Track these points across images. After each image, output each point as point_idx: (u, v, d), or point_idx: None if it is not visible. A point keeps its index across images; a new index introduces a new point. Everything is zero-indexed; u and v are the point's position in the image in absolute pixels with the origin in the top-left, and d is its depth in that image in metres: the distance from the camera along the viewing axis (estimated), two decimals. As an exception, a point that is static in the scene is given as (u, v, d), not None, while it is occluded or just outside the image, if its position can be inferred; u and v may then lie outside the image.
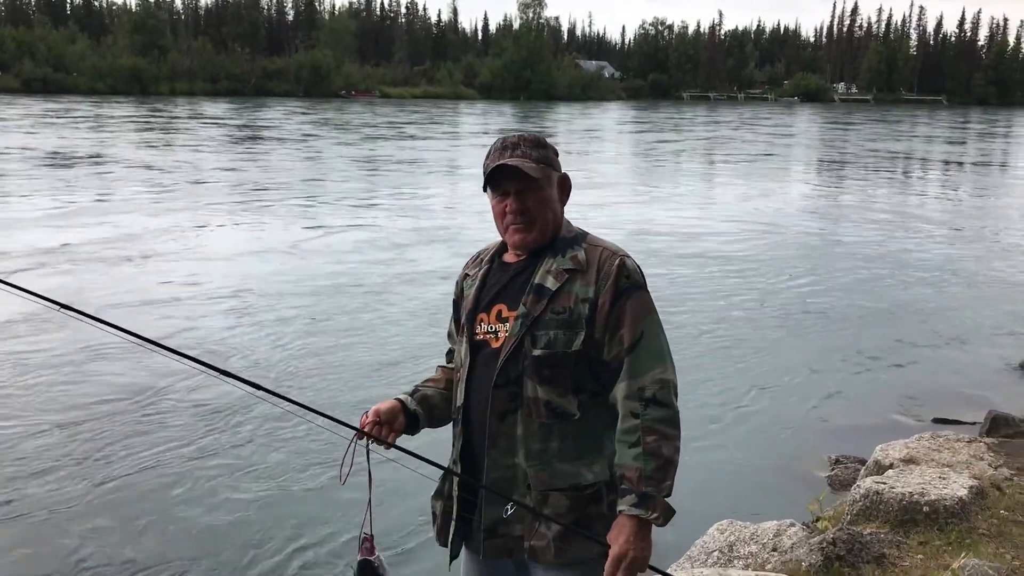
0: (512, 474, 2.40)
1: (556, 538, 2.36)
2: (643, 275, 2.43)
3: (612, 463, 2.42)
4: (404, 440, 2.44)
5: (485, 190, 2.49)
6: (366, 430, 2.39)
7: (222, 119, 49.38)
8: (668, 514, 2.29)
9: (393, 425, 2.45)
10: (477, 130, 48.36)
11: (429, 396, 2.59)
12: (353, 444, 2.37)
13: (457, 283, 2.67)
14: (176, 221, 16.42)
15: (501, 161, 2.41)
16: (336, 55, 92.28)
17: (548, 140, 2.52)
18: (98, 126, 40.88)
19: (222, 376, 2.38)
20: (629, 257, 2.43)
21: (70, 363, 8.37)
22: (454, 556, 2.57)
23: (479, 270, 2.58)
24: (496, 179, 2.43)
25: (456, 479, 2.51)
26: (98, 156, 27.85)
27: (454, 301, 2.67)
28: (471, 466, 2.47)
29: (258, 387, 2.45)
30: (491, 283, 2.52)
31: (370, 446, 2.39)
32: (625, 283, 2.37)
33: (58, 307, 2.38)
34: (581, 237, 2.49)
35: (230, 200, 19.53)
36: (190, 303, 10.70)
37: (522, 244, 2.47)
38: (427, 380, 2.67)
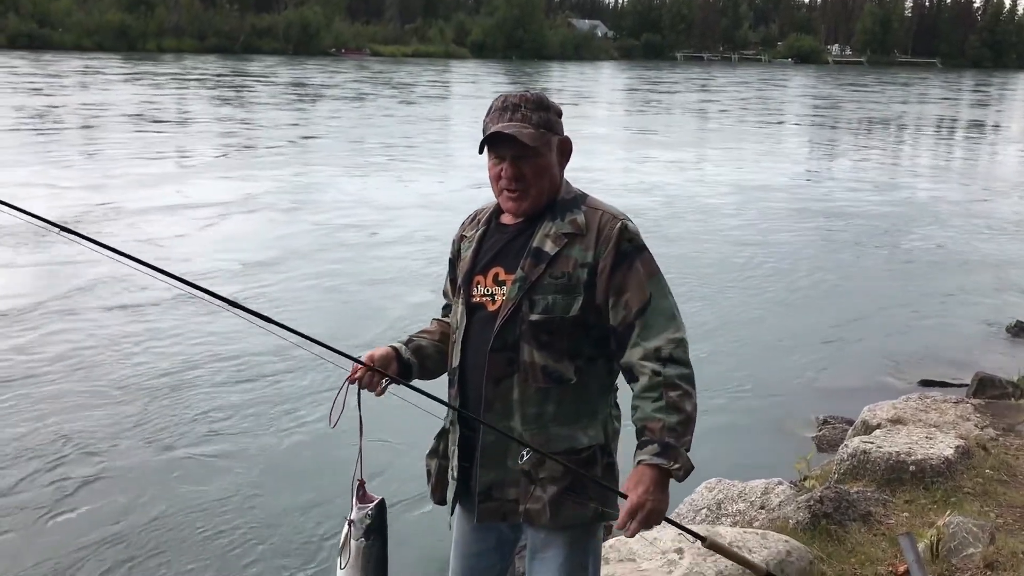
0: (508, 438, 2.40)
1: (552, 501, 2.37)
2: (642, 237, 2.41)
3: (606, 427, 2.44)
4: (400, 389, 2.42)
5: (481, 152, 2.43)
6: (358, 375, 2.38)
7: (266, 77, 49.01)
8: (688, 468, 2.25)
9: (386, 372, 2.43)
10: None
11: (423, 347, 2.58)
12: (345, 388, 2.35)
13: (454, 242, 2.64)
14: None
15: (498, 126, 2.34)
16: (326, 13, 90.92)
17: (551, 100, 2.45)
18: (156, 83, 40.24)
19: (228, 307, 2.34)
20: (629, 220, 2.40)
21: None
22: (453, 512, 2.59)
23: (476, 231, 2.54)
24: (492, 142, 2.38)
25: (452, 437, 2.51)
26: (185, 114, 27.58)
27: (450, 260, 2.64)
28: (467, 428, 2.47)
29: (263, 317, 2.37)
30: (488, 245, 2.49)
31: (361, 393, 2.37)
32: (627, 247, 2.35)
33: (58, 229, 2.29)
34: (580, 199, 2.45)
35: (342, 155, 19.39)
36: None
37: (515, 211, 2.43)
38: (422, 331, 2.66)
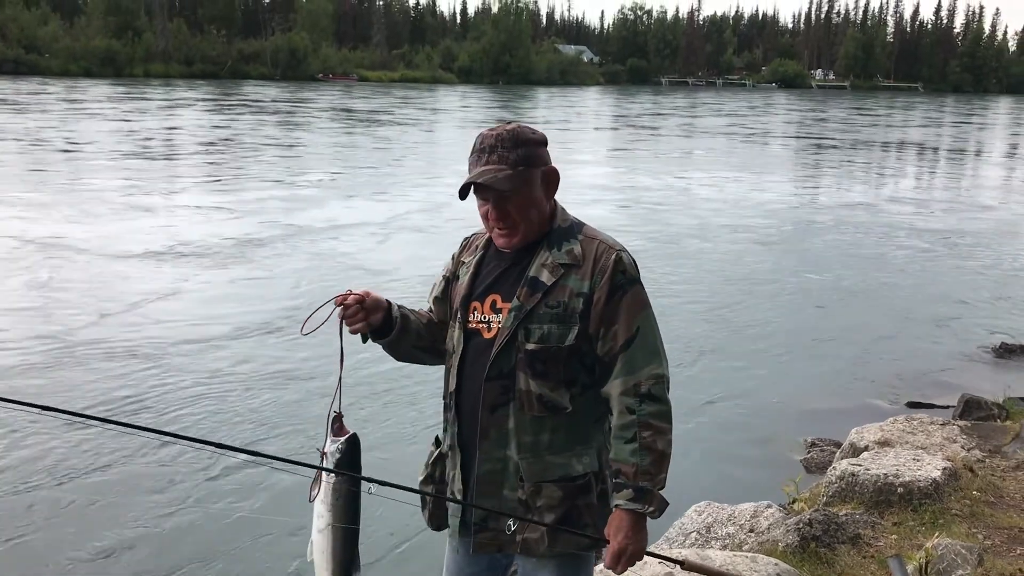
0: (503, 466, 2.40)
1: (550, 530, 2.37)
2: (638, 269, 2.42)
3: (601, 454, 2.44)
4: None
5: (463, 198, 2.41)
6: (348, 301, 2.34)
7: (279, 100, 49.00)
8: (662, 506, 2.33)
9: (371, 315, 2.40)
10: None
11: (410, 320, 2.55)
12: (331, 312, 2.31)
13: (453, 259, 2.62)
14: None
15: (473, 174, 2.34)
16: (313, 38, 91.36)
17: (533, 131, 2.43)
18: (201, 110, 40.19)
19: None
20: (625, 251, 2.41)
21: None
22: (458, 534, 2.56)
23: (473, 257, 2.54)
24: (474, 187, 2.37)
25: (451, 462, 2.50)
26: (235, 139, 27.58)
27: (445, 277, 2.62)
28: (465, 454, 2.46)
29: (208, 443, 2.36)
30: (485, 271, 2.49)
31: (342, 323, 2.34)
32: (621, 279, 2.35)
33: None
34: (577, 228, 2.45)
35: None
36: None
37: (507, 247, 2.43)
38: (413, 310, 2.62)
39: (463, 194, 2.39)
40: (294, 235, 14.05)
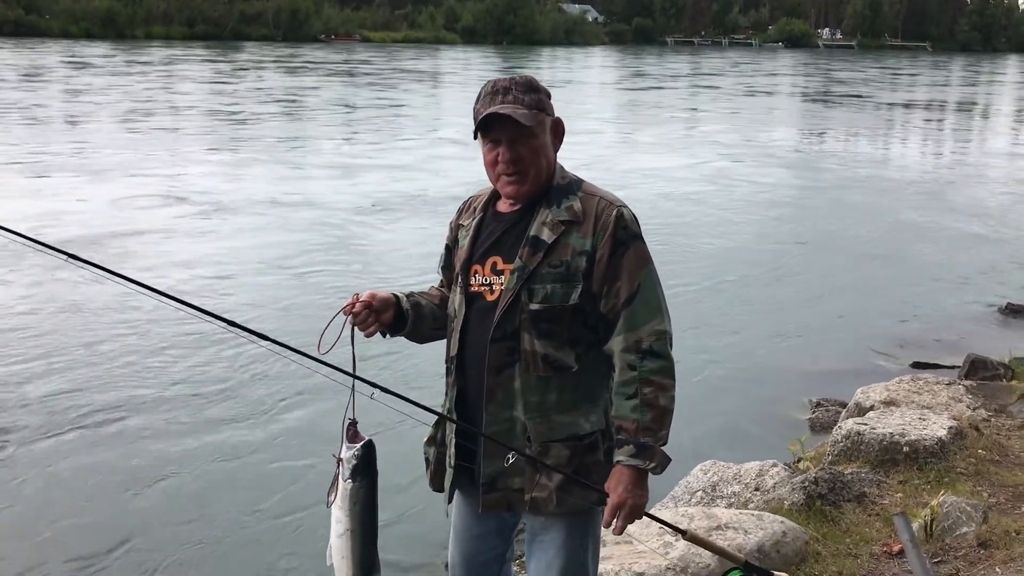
0: (510, 427, 2.39)
1: (557, 489, 2.37)
2: (639, 225, 2.40)
3: (607, 412, 2.43)
4: (399, 386, 2.40)
5: (476, 137, 2.40)
6: (356, 309, 2.36)
7: (325, 62, 48.87)
8: (664, 463, 2.32)
9: (381, 316, 2.41)
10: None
11: (422, 305, 2.56)
12: (343, 323, 2.34)
13: (451, 227, 2.61)
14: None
15: (492, 109, 2.32)
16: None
17: (540, 83, 2.43)
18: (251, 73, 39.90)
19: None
20: (626, 207, 2.39)
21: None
22: (451, 500, 2.58)
23: (472, 219, 2.52)
24: (487, 127, 2.35)
25: (450, 426, 2.50)
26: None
27: (446, 246, 2.63)
28: (466, 418, 2.47)
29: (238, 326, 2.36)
30: (485, 233, 2.47)
31: (355, 330, 2.36)
32: (622, 234, 2.34)
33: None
34: (576, 184, 2.43)
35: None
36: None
37: (516, 195, 2.41)
38: (422, 292, 2.63)
39: (477, 134, 2.38)
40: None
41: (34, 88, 30.85)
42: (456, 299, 2.48)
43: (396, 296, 2.48)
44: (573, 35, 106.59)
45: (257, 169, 16.76)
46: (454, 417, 2.48)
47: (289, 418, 6.36)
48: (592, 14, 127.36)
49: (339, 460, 2.25)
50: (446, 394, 2.53)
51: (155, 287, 2.34)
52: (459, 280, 2.47)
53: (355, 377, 2.27)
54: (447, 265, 2.61)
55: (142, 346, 7.54)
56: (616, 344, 2.33)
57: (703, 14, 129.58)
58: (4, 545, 4.81)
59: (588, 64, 64.72)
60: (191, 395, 6.67)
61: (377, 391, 2.28)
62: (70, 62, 43.64)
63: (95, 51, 52.37)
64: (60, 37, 67.90)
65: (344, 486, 2.24)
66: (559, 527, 2.44)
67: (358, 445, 2.24)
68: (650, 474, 2.32)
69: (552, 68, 56.02)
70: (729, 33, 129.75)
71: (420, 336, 2.59)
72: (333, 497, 2.26)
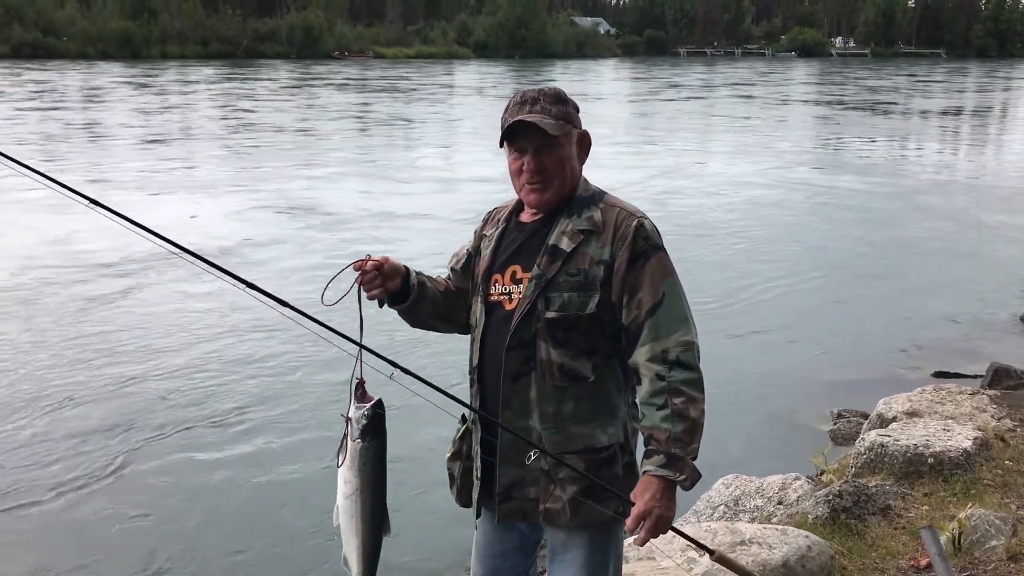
0: (526, 436, 2.37)
1: (571, 500, 2.35)
2: (660, 236, 2.38)
3: (626, 425, 2.41)
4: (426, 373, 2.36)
5: (501, 145, 2.41)
6: (367, 267, 2.34)
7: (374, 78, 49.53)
8: (695, 477, 2.24)
9: (388, 282, 2.40)
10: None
11: (427, 287, 2.54)
12: (353, 285, 2.31)
13: (475, 235, 2.62)
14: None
15: (519, 117, 2.33)
16: (328, 15, 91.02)
17: (568, 95, 2.43)
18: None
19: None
20: (647, 218, 2.37)
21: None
22: (480, 515, 2.56)
23: (495, 230, 2.52)
24: (514, 135, 2.36)
25: (475, 438, 2.50)
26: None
27: (468, 251, 2.61)
28: (485, 426, 2.45)
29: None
30: (506, 243, 2.48)
31: (362, 292, 2.35)
32: (643, 245, 2.32)
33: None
34: (598, 196, 2.42)
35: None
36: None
37: (538, 204, 2.41)
38: (431, 277, 2.60)
39: (503, 142, 2.38)
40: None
41: (103, 108, 31.55)
42: (477, 309, 2.48)
43: (407, 269, 2.47)
44: (585, 47, 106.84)
45: (353, 183, 17.18)
46: (477, 429, 2.47)
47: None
48: (604, 26, 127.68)
49: (348, 420, 2.22)
50: (470, 404, 2.51)
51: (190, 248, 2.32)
52: (480, 290, 2.47)
53: (361, 345, 2.23)
54: (460, 269, 2.60)
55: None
56: (641, 354, 2.29)
57: (715, 24, 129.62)
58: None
59: (616, 76, 65.07)
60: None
61: (397, 371, 2.24)
62: (126, 82, 44.21)
63: (135, 71, 52.97)
64: (77, 58, 68.57)
65: (353, 446, 2.20)
66: (580, 544, 2.41)
67: (367, 405, 2.22)
68: (679, 487, 2.25)
69: (583, 81, 56.17)
70: (742, 43, 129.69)
71: (415, 317, 2.56)
72: (342, 459, 2.22)
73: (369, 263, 2.35)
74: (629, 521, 2.26)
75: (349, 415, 2.23)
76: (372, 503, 2.24)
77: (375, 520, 2.26)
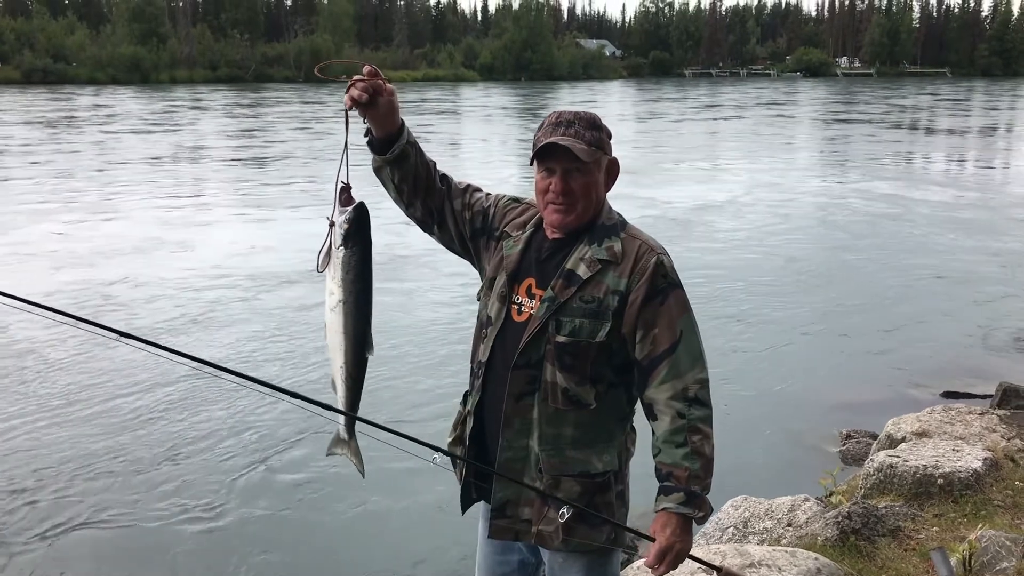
0: (524, 455, 2.41)
1: (564, 523, 2.38)
2: (677, 273, 2.41)
3: (620, 454, 2.45)
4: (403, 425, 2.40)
5: (532, 163, 2.42)
6: (367, 72, 2.29)
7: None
8: (709, 513, 2.35)
9: (378, 108, 2.31)
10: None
11: (422, 153, 2.47)
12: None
13: (500, 209, 2.57)
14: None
15: (552, 138, 2.34)
16: (336, 40, 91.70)
17: (603, 121, 2.45)
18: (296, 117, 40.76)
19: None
20: (666, 255, 2.40)
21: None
22: (465, 510, 2.61)
23: (523, 232, 2.50)
24: (545, 154, 2.37)
25: (467, 428, 2.54)
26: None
27: (490, 207, 2.57)
28: (482, 434, 2.50)
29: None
30: (532, 251, 2.48)
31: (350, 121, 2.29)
32: (662, 283, 2.35)
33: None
34: (620, 226, 2.44)
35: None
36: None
37: (559, 224, 2.42)
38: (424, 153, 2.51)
39: (534, 160, 2.39)
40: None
41: (156, 132, 31.90)
42: (494, 307, 2.47)
43: (403, 123, 2.39)
44: (591, 69, 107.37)
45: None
46: (471, 420, 2.53)
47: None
48: (610, 48, 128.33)
49: (331, 224, 2.18)
50: (468, 394, 2.56)
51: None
52: (503, 290, 2.46)
53: (347, 134, 2.22)
54: (473, 201, 2.56)
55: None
56: (661, 392, 2.33)
57: (720, 45, 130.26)
58: None
59: (641, 97, 65.09)
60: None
61: (439, 455, 2.34)
62: (171, 109, 44.53)
63: (153, 96, 53.28)
64: (87, 84, 69.19)
65: (336, 254, 2.17)
66: (577, 569, 2.45)
67: (349, 208, 2.18)
68: (694, 522, 2.34)
69: (606, 103, 56.29)
70: (747, 64, 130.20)
71: (397, 169, 2.42)
72: (325, 265, 2.18)
73: (371, 74, 2.29)
74: (651, 556, 2.33)
75: (332, 219, 2.18)
76: (355, 317, 2.21)
77: (358, 337, 2.22)
